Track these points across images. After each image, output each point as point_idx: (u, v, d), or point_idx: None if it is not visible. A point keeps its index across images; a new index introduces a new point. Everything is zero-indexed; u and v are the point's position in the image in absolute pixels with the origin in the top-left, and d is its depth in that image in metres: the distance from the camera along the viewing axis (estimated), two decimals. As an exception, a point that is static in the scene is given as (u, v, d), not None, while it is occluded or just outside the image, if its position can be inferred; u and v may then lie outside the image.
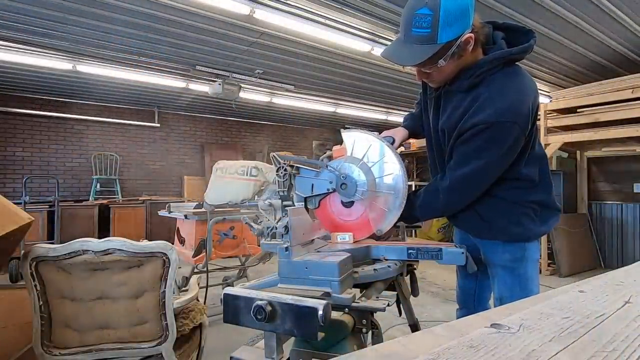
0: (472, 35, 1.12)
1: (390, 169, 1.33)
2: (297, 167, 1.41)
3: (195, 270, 3.76)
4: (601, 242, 5.87)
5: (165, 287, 1.57)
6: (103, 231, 6.34)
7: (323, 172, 1.37)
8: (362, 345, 1.17)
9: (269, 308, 0.83)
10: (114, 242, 1.51)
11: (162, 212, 3.98)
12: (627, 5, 3.69)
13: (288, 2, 3.49)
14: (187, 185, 8.04)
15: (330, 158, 1.44)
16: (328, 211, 1.42)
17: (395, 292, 1.57)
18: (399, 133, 1.56)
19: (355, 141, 1.36)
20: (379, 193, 1.34)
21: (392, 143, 1.44)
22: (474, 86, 1.21)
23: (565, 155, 6.01)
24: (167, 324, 1.59)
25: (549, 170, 1.37)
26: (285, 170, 1.40)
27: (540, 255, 1.50)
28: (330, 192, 1.37)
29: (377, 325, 1.21)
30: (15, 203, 1.71)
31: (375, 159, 1.34)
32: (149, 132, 8.05)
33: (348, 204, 1.38)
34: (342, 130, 1.44)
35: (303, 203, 1.40)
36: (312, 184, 1.39)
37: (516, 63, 1.27)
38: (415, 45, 1.11)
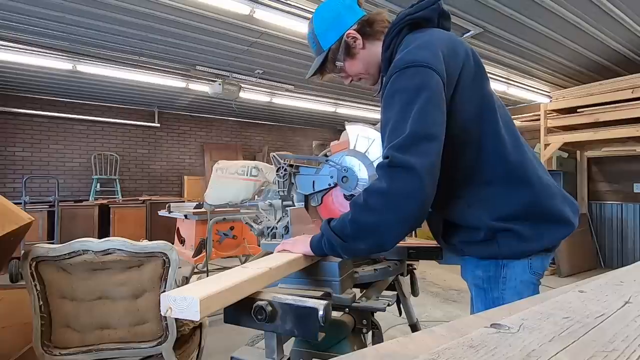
0: (351, 31, 1.19)
1: None
2: (297, 166, 1.41)
3: (195, 270, 3.77)
4: (601, 242, 5.87)
5: (165, 287, 1.57)
6: (103, 231, 6.34)
7: (323, 168, 1.36)
8: (362, 345, 1.17)
9: (269, 308, 0.83)
10: (114, 242, 1.51)
11: (162, 212, 3.98)
12: (627, 5, 3.68)
13: (288, 2, 3.49)
14: (187, 185, 8.05)
15: (327, 155, 1.43)
16: (332, 206, 1.40)
17: (395, 292, 1.57)
18: None
19: (359, 135, 1.35)
20: None
21: None
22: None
23: (565, 155, 6.01)
24: (167, 324, 1.59)
25: (536, 166, 1.10)
26: (285, 170, 1.40)
27: (542, 274, 1.11)
28: (332, 187, 1.36)
29: (378, 325, 1.21)
30: (15, 203, 1.71)
31: (377, 153, 1.32)
32: (149, 132, 8.04)
33: (350, 198, 1.36)
34: (346, 122, 1.44)
35: (303, 203, 1.40)
36: (313, 181, 1.38)
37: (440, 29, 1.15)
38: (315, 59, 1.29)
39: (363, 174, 1.31)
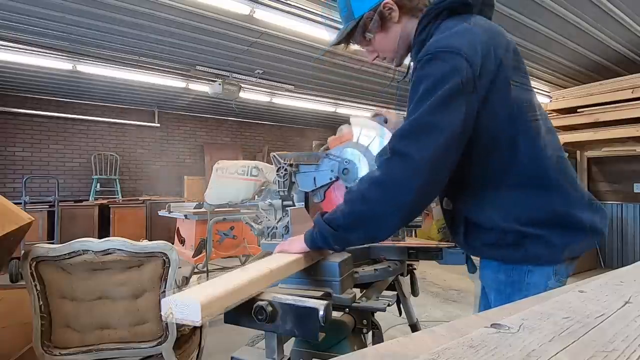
0: (389, 1, 1.08)
1: None
2: (296, 165, 1.41)
3: (195, 270, 3.77)
4: (601, 242, 5.86)
5: (165, 287, 1.57)
6: (103, 231, 6.34)
7: (323, 163, 1.35)
8: (362, 345, 1.17)
9: (269, 308, 0.82)
10: (114, 242, 1.51)
11: (162, 212, 3.99)
12: (627, 5, 3.68)
13: (288, 2, 3.49)
14: (187, 185, 8.04)
15: (326, 149, 1.42)
16: (335, 201, 1.38)
17: (395, 292, 1.57)
18: (395, 116, 1.45)
19: (362, 129, 1.33)
20: None
21: (386, 122, 1.36)
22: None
23: (565, 155, 6.02)
24: (167, 324, 1.59)
25: (569, 172, 1.07)
26: (286, 170, 1.40)
27: (566, 280, 1.04)
28: (334, 181, 1.34)
29: (378, 325, 1.21)
30: (15, 203, 1.71)
31: (377, 148, 1.29)
32: (149, 132, 8.05)
33: None
34: (351, 116, 1.42)
35: (303, 203, 1.40)
36: (314, 177, 1.37)
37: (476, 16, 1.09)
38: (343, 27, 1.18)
39: (364, 165, 1.29)
